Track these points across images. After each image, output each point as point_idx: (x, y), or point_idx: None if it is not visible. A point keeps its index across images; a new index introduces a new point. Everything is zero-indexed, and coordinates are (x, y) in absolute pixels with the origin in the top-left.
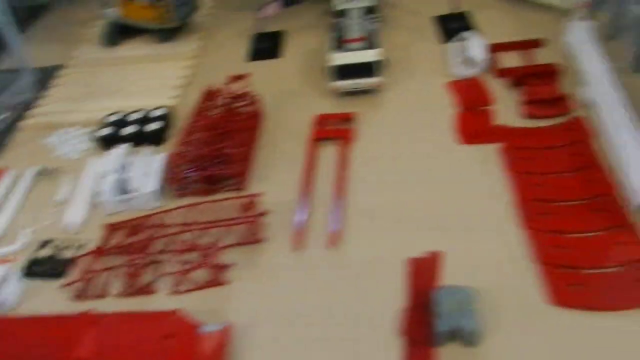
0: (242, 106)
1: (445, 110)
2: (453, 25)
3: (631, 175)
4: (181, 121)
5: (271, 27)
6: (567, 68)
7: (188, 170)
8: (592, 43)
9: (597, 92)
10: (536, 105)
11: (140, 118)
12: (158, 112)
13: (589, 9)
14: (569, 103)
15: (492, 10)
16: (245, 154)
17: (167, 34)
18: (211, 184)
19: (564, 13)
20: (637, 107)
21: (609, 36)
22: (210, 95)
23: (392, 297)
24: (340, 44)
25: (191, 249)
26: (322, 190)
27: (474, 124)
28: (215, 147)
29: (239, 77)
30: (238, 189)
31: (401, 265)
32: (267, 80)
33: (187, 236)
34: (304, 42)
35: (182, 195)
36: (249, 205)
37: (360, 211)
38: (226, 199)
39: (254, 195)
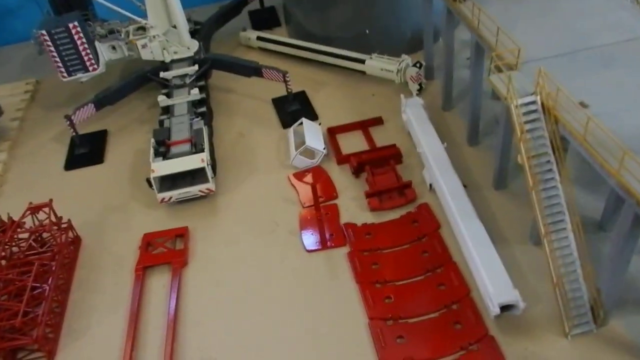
0: (49, 239)
1: (288, 210)
2: (291, 108)
3: (485, 284)
4: None
5: (92, 127)
6: (408, 147)
7: None
8: (427, 121)
9: (436, 178)
10: (379, 197)
11: None
12: None
13: (421, 81)
14: (412, 190)
15: (329, 88)
16: (52, 308)
17: None
18: (9, 356)
19: (400, 86)
20: (475, 181)
21: (443, 107)
22: (6, 231)
23: None
24: (165, 147)
25: None
26: (152, 340)
27: (319, 226)
28: (9, 311)
29: (39, 207)
30: (45, 358)
31: None
32: (87, 193)
33: None
34: (129, 141)
35: None
36: None
37: None
38: None
39: None
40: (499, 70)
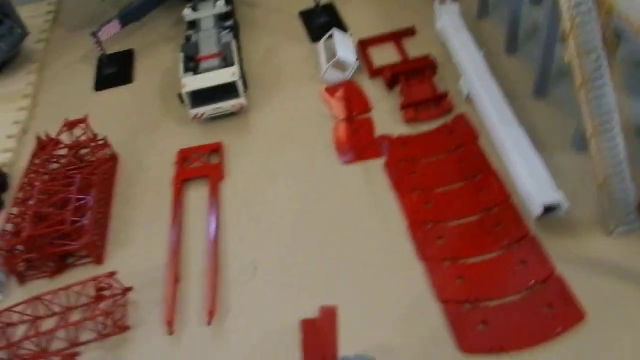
0: (86, 155)
1: (321, 124)
2: (319, 20)
3: (527, 186)
4: (18, 181)
5: (118, 46)
6: (443, 58)
7: (26, 253)
8: (463, 28)
9: (474, 86)
10: (415, 108)
11: None
12: None
13: None
14: (449, 101)
15: None
16: (97, 218)
17: None
18: (59, 261)
19: None
20: (514, 90)
21: (479, 15)
22: (45, 148)
23: None
24: (194, 62)
25: (41, 356)
26: (194, 247)
27: (353, 138)
28: (57, 218)
29: (75, 123)
30: (93, 263)
31: (294, 331)
32: (118, 113)
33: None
34: (157, 59)
35: (25, 280)
36: (104, 287)
37: (239, 268)
38: (77, 283)
39: (110, 275)
40: None
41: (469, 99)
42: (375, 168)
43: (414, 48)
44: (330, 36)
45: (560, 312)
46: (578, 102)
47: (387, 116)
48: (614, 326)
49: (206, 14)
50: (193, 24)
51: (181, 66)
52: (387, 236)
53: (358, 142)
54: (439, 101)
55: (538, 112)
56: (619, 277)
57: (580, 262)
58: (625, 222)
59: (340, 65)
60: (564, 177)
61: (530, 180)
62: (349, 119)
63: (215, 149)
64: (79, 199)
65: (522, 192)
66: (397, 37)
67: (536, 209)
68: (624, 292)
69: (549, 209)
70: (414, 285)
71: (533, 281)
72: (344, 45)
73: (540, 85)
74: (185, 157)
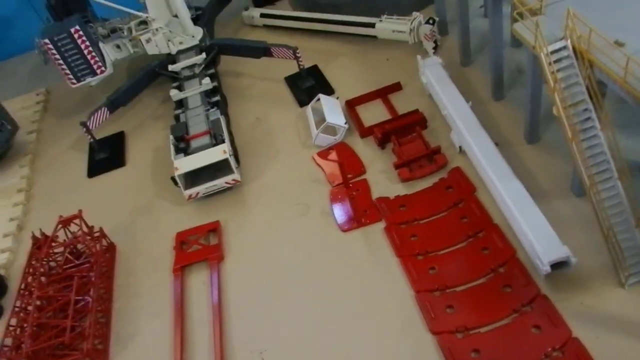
0: (84, 249)
1: (317, 191)
2: (305, 84)
3: (532, 243)
4: (16, 283)
5: (109, 129)
6: (432, 110)
7: None
8: (448, 81)
9: (465, 139)
10: (409, 166)
11: None
12: None
13: (435, 38)
14: (442, 156)
15: (341, 59)
16: (97, 318)
17: None
18: None
19: (414, 47)
20: (506, 137)
21: (462, 63)
22: (41, 247)
23: None
24: (184, 142)
25: None
26: (199, 340)
27: (351, 204)
28: (56, 327)
29: (69, 220)
30: None
31: None
32: (113, 198)
33: None
34: (147, 139)
35: None
36: None
37: (248, 356)
38: None
39: None
40: (522, 17)
41: (462, 151)
42: (376, 233)
43: (402, 103)
44: (318, 99)
45: None
46: (571, 154)
47: (382, 176)
48: None
49: (193, 93)
50: (181, 103)
51: (172, 148)
52: (395, 305)
53: (356, 207)
54: (432, 157)
55: (532, 159)
56: (637, 335)
57: (595, 319)
58: (635, 272)
59: (330, 130)
60: (567, 225)
61: (535, 237)
62: (345, 183)
63: (213, 229)
64: (78, 301)
65: (528, 249)
66: (383, 93)
67: (544, 268)
68: None
69: (557, 264)
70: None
71: (550, 349)
72: (331, 109)
73: (532, 130)
74: (183, 240)
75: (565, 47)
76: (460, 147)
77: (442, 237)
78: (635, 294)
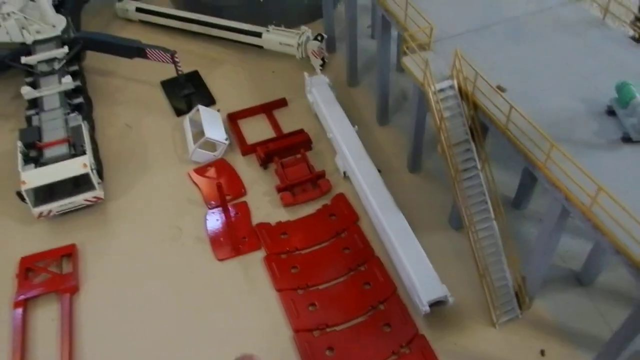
0: None
1: (192, 212)
2: (184, 91)
3: (412, 281)
4: None
5: None
6: (317, 130)
7: None
8: (334, 102)
9: (350, 166)
10: (292, 191)
11: None
12: None
13: (323, 55)
14: (326, 181)
15: (225, 66)
16: None
17: None
18: None
19: (301, 61)
20: (389, 164)
21: (349, 83)
22: None
23: None
24: (36, 150)
25: None
26: None
27: (229, 230)
28: None
29: None
30: None
31: None
32: None
33: None
34: None
35: None
36: None
37: None
38: None
39: None
40: (411, 51)
41: (347, 176)
42: (255, 263)
43: (287, 120)
44: (198, 110)
45: None
46: (453, 192)
47: (264, 199)
48: None
49: (50, 92)
50: (35, 103)
51: (20, 157)
52: (273, 345)
53: (234, 233)
54: (316, 181)
55: (414, 188)
56: None
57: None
58: (506, 311)
59: (209, 145)
60: (444, 260)
61: (416, 275)
62: (223, 205)
63: (67, 254)
64: None
65: (408, 287)
66: (268, 108)
67: (423, 308)
68: None
69: (435, 303)
70: None
71: None
72: (211, 123)
73: (414, 160)
74: (29, 266)
75: (451, 87)
76: (344, 173)
77: (323, 270)
78: (505, 333)
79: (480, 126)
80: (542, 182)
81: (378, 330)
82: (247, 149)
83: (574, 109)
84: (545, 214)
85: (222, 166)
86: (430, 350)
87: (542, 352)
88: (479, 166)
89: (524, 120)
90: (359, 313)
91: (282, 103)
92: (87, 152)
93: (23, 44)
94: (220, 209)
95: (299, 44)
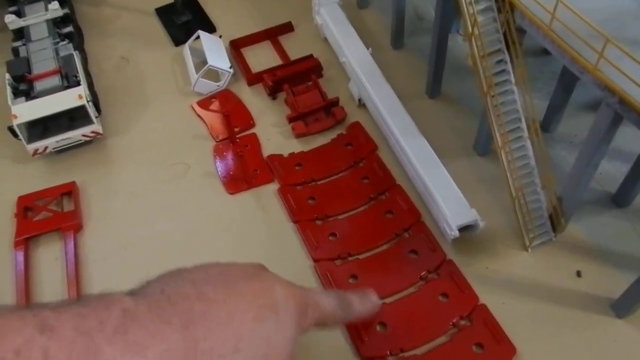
0: None
1: (197, 147)
2: (181, 18)
3: (439, 206)
4: None
5: None
6: (328, 56)
7: None
8: (345, 23)
9: (365, 91)
10: (304, 120)
11: None
12: None
13: None
14: (340, 109)
15: None
16: None
17: None
18: None
19: None
20: (407, 90)
21: (359, 4)
22: None
23: None
24: (26, 83)
25: None
26: None
27: (238, 163)
28: None
29: None
30: None
31: None
32: None
33: None
34: None
35: None
36: None
37: None
38: None
39: None
40: None
41: (362, 103)
42: (269, 195)
43: (294, 47)
44: (197, 37)
45: (491, 351)
46: (483, 109)
47: (274, 130)
48: (545, 355)
49: (36, 21)
50: (21, 33)
51: (9, 90)
52: (292, 277)
53: (245, 166)
54: (330, 109)
55: (434, 114)
56: (541, 298)
57: (501, 285)
58: (539, 234)
59: (212, 74)
60: (471, 187)
61: (443, 200)
62: (231, 138)
63: (68, 192)
64: None
65: (434, 213)
66: (273, 34)
67: (452, 233)
68: (548, 314)
69: (464, 228)
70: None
71: (457, 318)
72: (214, 50)
73: (434, 83)
74: (28, 206)
75: None
76: (359, 100)
77: (342, 200)
78: (538, 256)
79: (516, 33)
80: (591, 87)
81: (403, 257)
82: (253, 78)
83: (625, 5)
84: (592, 126)
85: (227, 97)
86: (460, 275)
87: (579, 273)
88: (512, 80)
89: (570, 18)
90: (383, 241)
91: (287, 28)
92: (82, 82)
93: None
94: (228, 141)
95: None
